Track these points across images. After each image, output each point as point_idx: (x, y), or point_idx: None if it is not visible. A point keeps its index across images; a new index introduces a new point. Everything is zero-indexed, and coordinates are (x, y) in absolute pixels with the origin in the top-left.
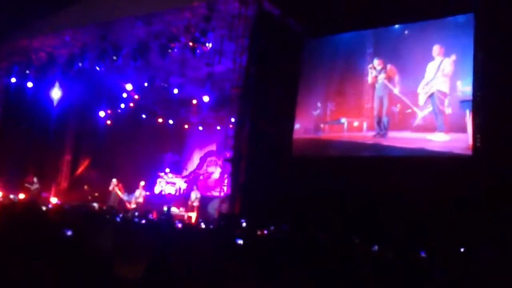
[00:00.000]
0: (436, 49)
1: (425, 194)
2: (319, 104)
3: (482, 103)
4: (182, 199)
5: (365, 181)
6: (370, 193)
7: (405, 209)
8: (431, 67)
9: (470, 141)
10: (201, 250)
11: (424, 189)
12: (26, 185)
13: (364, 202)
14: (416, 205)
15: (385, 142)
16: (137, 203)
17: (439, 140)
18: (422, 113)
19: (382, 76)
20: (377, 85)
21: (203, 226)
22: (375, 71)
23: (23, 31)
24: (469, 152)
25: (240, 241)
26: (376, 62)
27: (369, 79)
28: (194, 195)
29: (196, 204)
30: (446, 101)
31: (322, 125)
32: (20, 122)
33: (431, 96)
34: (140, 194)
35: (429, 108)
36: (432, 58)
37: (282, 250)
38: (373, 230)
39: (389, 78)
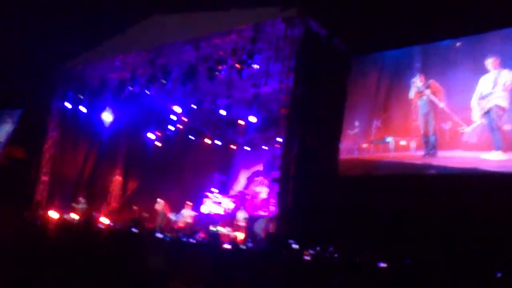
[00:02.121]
0: (490, 61)
1: (479, 215)
2: (361, 123)
3: None
4: (229, 218)
5: (414, 201)
6: (420, 214)
7: (458, 230)
8: (486, 80)
9: None
10: (253, 270)
11: (478, 210)
12: (73, 204)
13: (414, 223)
14: (470, 226)
15: (435, 162)
16: (185, 223)
17: (495, 159)
18: (475, 131)
19: (427, 92)
20: (420, 102)
21: (250, 246)
22: (418, 87)
23: (77, 58)
24: None
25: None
26: (418, 77)
27: (411, 94)
28: (241, 215)
29: (243, 224)
30: (505, 117)
31: (366, 145)
32: (74, 145)
33: (487, 112)
34: (188, 214)
35: (484, 125)
36: (485, 71)
37: (330, 274)
38: (424, 252)
39: (434, 94)
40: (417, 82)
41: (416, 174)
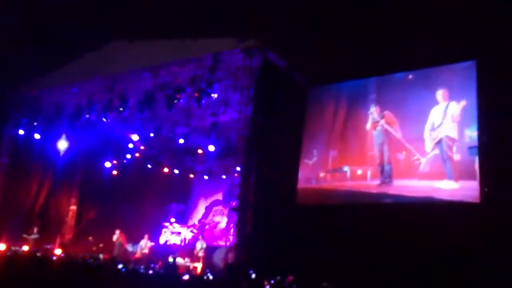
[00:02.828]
0: (440, 93)
1: (433, 242)
2: (317, 152)
3: (488, 149)
4: (187, 249)
5: (371, 229)
6: (377, 242)
7: (413, 258)
8: (436, 112)
9: (478, 187)
10: None
11: (432, 237)
12: (25, 235)
13: (372, 250)
14: (424, 254)
15: (390, 191)
16: (142, 254)
17: (447, 188)
18: (428, 160)
19: (382, 122)
20: (375, 132)
21: (210, 277)
22: (374, 117)
23: (32, 83)
24: (478, 200)
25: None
26: (373, 109)
27: (368, 125)
28: (200, 244)
29: (201, 254)
30: (455, 148)
31: (323, 174)
32: (26, 173)
33: (439, 142)
34: (145, 245)
35: (436, 155)
36: (437, 103)
37: None
38: (380, 278)
39: (389, 125)
40: (373, 113)
41: (373, 202)
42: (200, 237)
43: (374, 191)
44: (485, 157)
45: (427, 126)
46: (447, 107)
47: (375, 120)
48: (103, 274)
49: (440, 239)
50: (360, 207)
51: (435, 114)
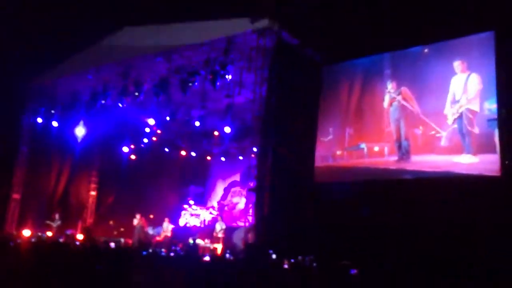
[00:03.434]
0: (458, 64)
1: (453, 218)
2: (334, 131)
3: (508, 122)
4: (207, 230)
5: (390, 206)
6: (397, 218)
7: (433, 235)
8: (457, 83)
9: (499, 161)
10: (230, 282)
11: (452, 212)
12: (48, 222)
13: (391, 227)
14: (444, 230)
15: (408, 166)
16: (165, 237)
17: (467, 162)
18: (447, 134)
19: (398, 98)
20: (391, 108)
21: (230, 257)
22: (391, 94)
23: (48, 72)
24: (498, 174)
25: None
26: (390, 85)
27: (385, 103)
28: (219, 226)
29: (221, 235)
30: (475, 121)
31: (339, 152)
32: (46, 161)
33: (459, 116)
34: (167, 228)
35: (454, 129)
36: (455, 74)
37: (311, 282)
38: (400, 255)
39: (406, 101)
40: (390, 90)
41: (391, 179)
42: (219, 218)
43: (392, 167)
44: (505, 130)
45: (449, 98)
46: (467, 79)
47: (392, 97)
48: (125, 258)
49: (460, 213)
50: (378, 183)
51: (455, 86)
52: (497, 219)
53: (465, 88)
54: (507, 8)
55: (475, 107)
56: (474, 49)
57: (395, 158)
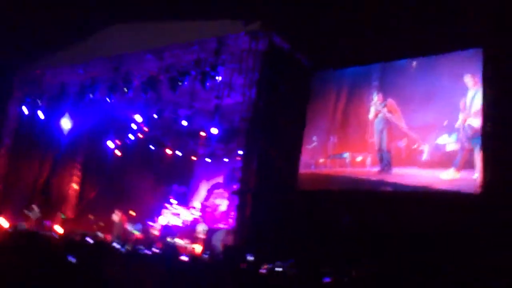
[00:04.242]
0: (469, 80)
1: (430, 232)
2: (318, 138)
3: (492, 139)
4: (187, 230)
5: (370, 216)
6: (376, 229)
7: (411, 246)
8: (463, 98)
9: (479, 178)
10: (206, 283)
11: (429, 227)
12: (26, 212)
13: (370, 237)
14: (419, 242)
15: (389, 178)
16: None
17: (448, 178)
18: (429, 149)
19: (384, 110)
20: (376, 120)
21: (208, 258)
22: (376, 106)
23: (37, 62)
24: (477, 191)
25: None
26: (376, 97)
27: (371, 115)
28: (201, 227)
29: (202, 236)
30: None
31: (322, 160)
32: (29, 151)
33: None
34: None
35: (437, 144)
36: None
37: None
38: (378, 265)
39: (391, 113)
40: (376, 102)
41: (372, 190)
42: (201, 219)
43: (373, 178)
44: (488, 147)
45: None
46: (475, 94)
47: (377, 109)
48: (102, 253)
49: (437, 228)
50: (359, 193)
51: (463, 99)
52: (474, 236)
53: (472, 103)
54: (495, 25)
55: (476, 123)
56: (461, 65)
57: (377, 169)
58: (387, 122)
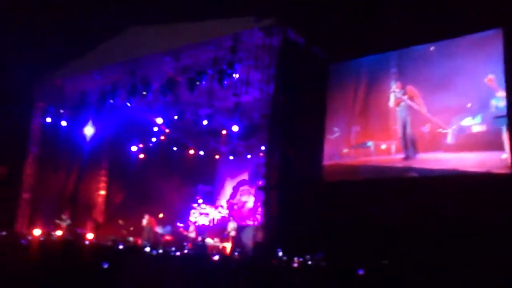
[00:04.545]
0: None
1: (460, 216)
2: (340, 129)
3: None
4: (216, 229)
5: (398, 204)
6: (404, 216)
7: (441, 232)
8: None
9: (509, 159)
10: (239, 281)
11: (459, 210)
12: (57, 221)
13: (399, 226)
14: (451, 228)
15: (415, 164)
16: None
17: (474, 159)
18: (452, 132)
19: (404, 98)
20: (398, 108)
21: (238, 256)
22: (396, 94)
23: (57, 72)
24: (508, 171)
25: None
26: (394, 85)
27: (391, 103)
28: (231, 225)
29: (233, 234)
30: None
31: (346, 150)
32: (55, 160)
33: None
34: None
35: (461, 126)
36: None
37: (320, 281)
38: (408, 255)
39: (411, 99)
40: (395, 90)
41: (398, 177)
42: (231, 218)
43: (399, 165)
44: None
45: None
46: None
47: (397, 97)
48: (134, 257)
49: (468, 212)
50: (385, 181)
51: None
52: (505, 218)
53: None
54: None
55: (501, 103)
56: (481, 47)
57: (402, 156)
58: (409, 109)
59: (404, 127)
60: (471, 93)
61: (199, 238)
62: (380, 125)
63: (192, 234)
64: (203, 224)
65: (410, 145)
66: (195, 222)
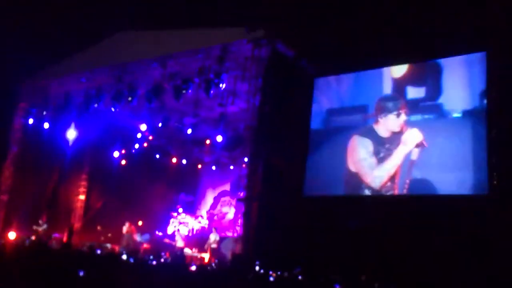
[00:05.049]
0: None
1: (440, 234)
2: None
3: (496, 142)
4: (195, 239)
5: (376, 220)
6: (385, 233)
7: (419, 250)
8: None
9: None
10: None
11: (439, 229)
12: (34, 227)
13: (378, 241)
14: (429, 246)
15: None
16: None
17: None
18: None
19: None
20: None
21: (216, 267)
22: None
23: (41, 73)
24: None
25: None
26: None
27: None
28: (213, 237)
29: (214, 246)
30: None
31: None
32: (35, 162)
33: None
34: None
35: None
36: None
37: None
38: (386, 270)
39: None
40: None
41: (379, 195)
42: (214, 229)
43: None
44: (494, 150)
45: None
46: None
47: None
48: (111, 264)
49: (447, 231)
50: (365, 197)
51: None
52: (484, 238)
53: None
54: (499, 29)
55: None
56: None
57: None
58: None
59: None
60: None
61: (177, 248)
62: None
63: (180, 243)
64: (183, 234)
65: None
66: (179, 230)
